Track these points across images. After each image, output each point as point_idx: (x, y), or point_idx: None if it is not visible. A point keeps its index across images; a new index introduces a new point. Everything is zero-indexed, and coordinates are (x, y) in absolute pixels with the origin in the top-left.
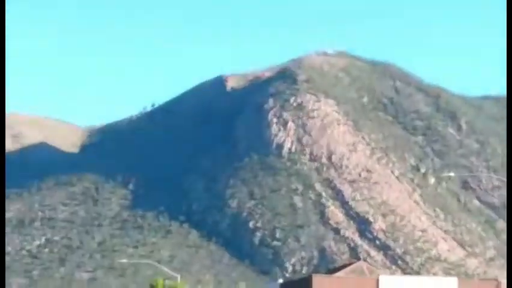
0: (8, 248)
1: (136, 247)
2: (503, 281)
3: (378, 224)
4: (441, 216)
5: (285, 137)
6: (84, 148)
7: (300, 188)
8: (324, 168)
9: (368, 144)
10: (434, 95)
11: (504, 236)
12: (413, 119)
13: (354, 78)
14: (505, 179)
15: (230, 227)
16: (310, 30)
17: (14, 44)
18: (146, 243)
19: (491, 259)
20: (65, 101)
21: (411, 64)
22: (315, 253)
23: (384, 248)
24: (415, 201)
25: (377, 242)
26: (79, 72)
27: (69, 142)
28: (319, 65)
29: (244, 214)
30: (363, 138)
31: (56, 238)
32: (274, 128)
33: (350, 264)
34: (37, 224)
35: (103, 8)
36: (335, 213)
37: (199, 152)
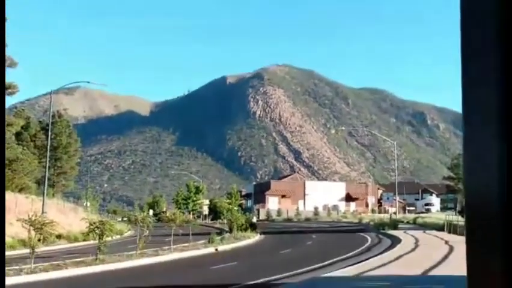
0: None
1: (178, 165)
2: (369, 183)
3: (305, 154)
4: (338, 149)
5: (256, 109)
6: (152, 113)
7: (265, 135)
8: (277, 125)
9: (299, 112)
10: (334, 86)
11: (369, 160)
12: (322, 99)
13: (292, 77)
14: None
15: (228, 155)
16: (269, 48)
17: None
18: (184, 163)
19: (363, 172)
20: (141, 84)
21: (324, 68)
22: (272, 168)
23: (308, 167)
24: (324, 142)
25: (305, 163)
26: (146, 61)
27: (143, 110)
28: (274, 71)
29: (236, 148)
30: (298, 109)
31: (137, 160)
32: (251, 103)
33: (290, 175)
34: (128, 152)
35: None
36: (283, 148)
37: (212, 118)
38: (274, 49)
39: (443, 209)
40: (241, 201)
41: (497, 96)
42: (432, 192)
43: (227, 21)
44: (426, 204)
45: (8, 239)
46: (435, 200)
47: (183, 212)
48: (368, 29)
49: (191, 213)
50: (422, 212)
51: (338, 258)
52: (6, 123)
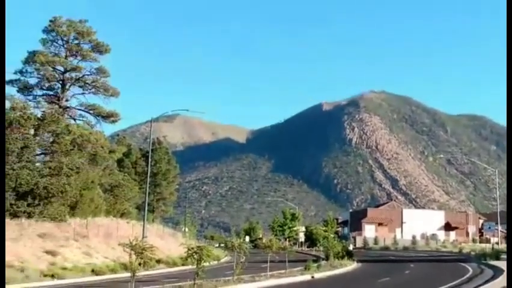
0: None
1: (274, 191)
2: (470, 212)
3: (402, 182)
4: (436, 177)
5: (352, 136)
6: (248, 141)
7: (361, 162)
8: (374, 153)
9: (396, 140)
10: (432, 112)
11: (469, 188)
12: (420, 126)
13: (389, 104)
14: (466, 159)
15: (324, 182)
16: (364, 74)
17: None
18: (280, 190)
19: (462, 201)
20: (239, 112)
21: (420, 94)
22: (368, 196)
23: (405, 194)
24: (422, 170)
25: (402, 191)
26: (244, 89)
27: (240, 137)
28: (370, 97)
29: (332, 175)
30: (394, 136)
31: (234, 186)
32: (347, 130)
33: (387, 202)
34: (225, 179)
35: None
36: (379, 176)
37: (308, 145)
38: (370, 75)
39: None
40: (337, 229)
41: None
42: None
43: (322, 47)
44: None
45: (109, 263)
46: None
47: (279, 239)
48: (464, 53)
49: (287, 240)
50: None
51: None
52: (109, 150)
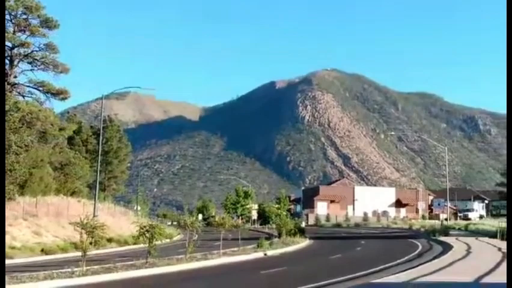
0: (162, 168)
1: (227, 169)
2: (420, 189)
3: (354, 159)
4: (387, 155)
5: (305, 114)
6: (201, 118)
7: (314, 140)
8: (326, 130)
9: (348, 117)
10: (384, 90)
11: (419, 165)
12: (371, 103)
13: (341, 82)
14: (417, 136)
15: (277, 160)
16: (318, 53)
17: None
18: (233, 168)
19: (413, 178)
20: (191, 89)
21: (372, 72)
22: (321, 173)
23: (357, 172)
24: (373, 147)
25: (354, 168)
26: (195, 66)
27: (192, 115)
28: (322, 75)
29: (285, 153)
30: (346, 114)
31: (187, 164)
32: (300, 108)
33: (339, 180)
34: (178, 157)
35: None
36: (332, 153)
37: (261, 123)
38: (323, 54)
39: (496, 215)
40: (290, 206)
41: None
42: (485, 199)
43: (275, 26)
44: (465, 211)
45: (60, 242)
46: (476, 206)
47: (232, 217)
48: (417, 32)
49: (240, 217)
50: (466, 219)
51: (388, 264)
52: (59, 128)
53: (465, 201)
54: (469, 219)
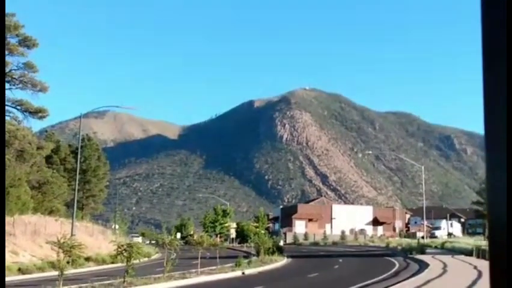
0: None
1: (206, 188)
2: (397, 208)
3: (332, 178)
4: (365, 173)
5: (283, 132)
6: (180, 137)
7: (292, 159)
8: (304, 149)
9: (326, 136)
10: (361, 110)
11: (396, 184)
12: (349, 122)
13: (319, 101)
14: (394, 155)
15: (255, 178)
16: (296, 73)
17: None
18: (212, 186)
19: (390, 196)
20: (170, 108)
21: (350, 92)
22: (299, 192)
23: (335, 190)
24: (351, 166)
25: (331, 187)
26: (174, 86)
27: (171, 133)
28: (301, 94)
29: (263, 171)
30: (324, 133)
31: (165, 183)
32: (278, 127)
33: (317, 198)
34: (156, 175)
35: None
36: (310, 172)
37: (240, 141)
38: (301, 73)
39: (472, 233)
40: (268, 225)
41: None
42: (461, 217)
43: (253, 45)
44: (433, 228)
45: (37, 261)
46: (444, 224)
47: (210, 235)
48: (393, 52)
49: (218, 236)
50: (433, 237)
51: (365, 283)
52: (37, 146)
53: (441, 220)
54: (435, 237)
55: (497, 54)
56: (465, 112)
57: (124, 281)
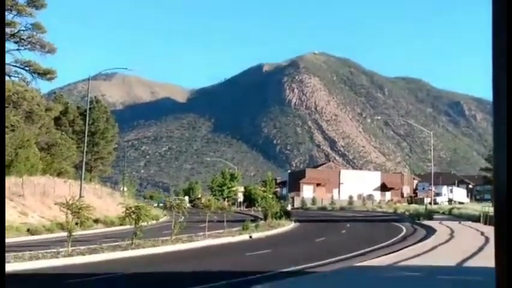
0: (149, 149)
1: (214, 152)
2: (405, 173)
3: (340, 143)
4: (373, 139)
5: (292, 97)
6: (189, 100)
7: (300, 123)
8: (313, 114)
9: (335, 101)
10: (370, 75)
11: (405, 149)
12: (358, 87)
13: (328, 66)
14: (403, 121)
15: (263, 143)
16: (306, 37)
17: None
18: (220, 150)
19: (398, 162)
20: (178, 71)
21: (359, 57)
22: (307, 157)
23: (343, 156)
24: (359, 131)
25: (340, 152)
26: (183, 48)
27: (180, 97)
28: (310, 59)
29: (271, 136)
30: (333, 98)
31: (174, 146)
32: (287, 91)
33: (325, 163)
34: (164, 139)
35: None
36: (318, 137)
37: (248, 105)
38: (311, 37)
39: (480, 200)
40: (276, 189)
41: None
42: (469, 183)
43: (263, 9)
44: (435, 195)
45: (46, 222)
46: (444, 190)
47: (218, 199)
48: (404, 17)
49: (226, 200)
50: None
51: (372, 248)
52: (45, 108)
53: (442, 186)
54: (437, 203)
55: (505, 18)
56: (475, 78)
57: (132, 243)
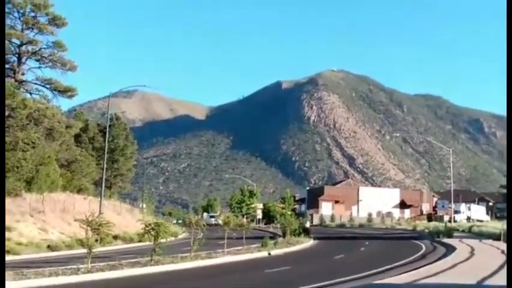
0: (168, 166)
1: (233, 169)
2: (424, 190)
3: (359, 160)
4: (392, 156)
5: (311, 114)
6: (207, 117)
7: (319, 140)
8: (331, 131)
9: (354, 118)
10: (390, 92)
11: (424, 166)
12: (377, 104)
13: (347, 83)
14: (422, 138)
15: (282, 160)
16: (324, 54)
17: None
18: (239, 167)
19: (418, 179)
20: (199, 89)
21: (378, 74)
22: (326, 174)
23: (362, 172)
24: (378, 148)
25: (358, 169)
26: (202, 66)
27: (199, 114)
28: (328, 76)
29: (290, 153)
30: (352, 115)
31: (192, 163)
32: (306, 109)
33: (343, 180)
34: (183, 156)
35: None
36: (337, 154)
37: (267, 122)
38: (330, 54)
39: (501, 218)
40: (294, 206)
41: None
42: (489, 201)
43: (281, 26)
44: (454, 212)
45: (66, 239)
46: (463, 208)
47: (237, 216)
48: (422, 34)
49: (244, 216)
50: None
51: (392, 265)
52: (66, 125)
53: (460, 204)
54: (455, 221)
55: None
56: (495, 95)
57: (151, 259)
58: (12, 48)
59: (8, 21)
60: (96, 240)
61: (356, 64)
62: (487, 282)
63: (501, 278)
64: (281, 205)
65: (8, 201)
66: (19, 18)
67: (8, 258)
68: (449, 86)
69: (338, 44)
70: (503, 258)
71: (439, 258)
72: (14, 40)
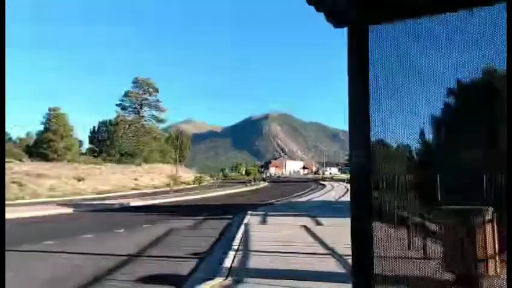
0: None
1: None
2: (312, 162)
3: (286, 150)
4: (303, 147)
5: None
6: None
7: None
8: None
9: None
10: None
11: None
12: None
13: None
14: None
15: (256, 150)
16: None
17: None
18: (236, 157)
19: (313, 157)
20: (212, 113)
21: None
22: (272, 155)
23: (288, 154)
24: (298, 147)
25: (287, 154)
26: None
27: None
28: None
29: (260, 148)
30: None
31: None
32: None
33: (279, 157)
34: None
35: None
36: (278, 149)
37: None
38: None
39: (345, 171)
40: (258, 169)
41: None
42: (340, 166)
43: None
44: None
45: (158, 183)
46: (329, 170)
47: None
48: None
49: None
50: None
51: (299, 193)
52: (161, 135)
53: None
54: (324, 174)
55: None
56: None
57: (197, 192)
58: (137, 102)
59: (136, 90)
60: (173, 184)
61: None
62: (339, 199)
63: (344, 197)
64: (253, 168)
65: (136, 168)
66: (141, 88)
67: (138, 191)
68: None
69: None
70: (346, 189)
71: (319, 190)
72: (139, 98)
